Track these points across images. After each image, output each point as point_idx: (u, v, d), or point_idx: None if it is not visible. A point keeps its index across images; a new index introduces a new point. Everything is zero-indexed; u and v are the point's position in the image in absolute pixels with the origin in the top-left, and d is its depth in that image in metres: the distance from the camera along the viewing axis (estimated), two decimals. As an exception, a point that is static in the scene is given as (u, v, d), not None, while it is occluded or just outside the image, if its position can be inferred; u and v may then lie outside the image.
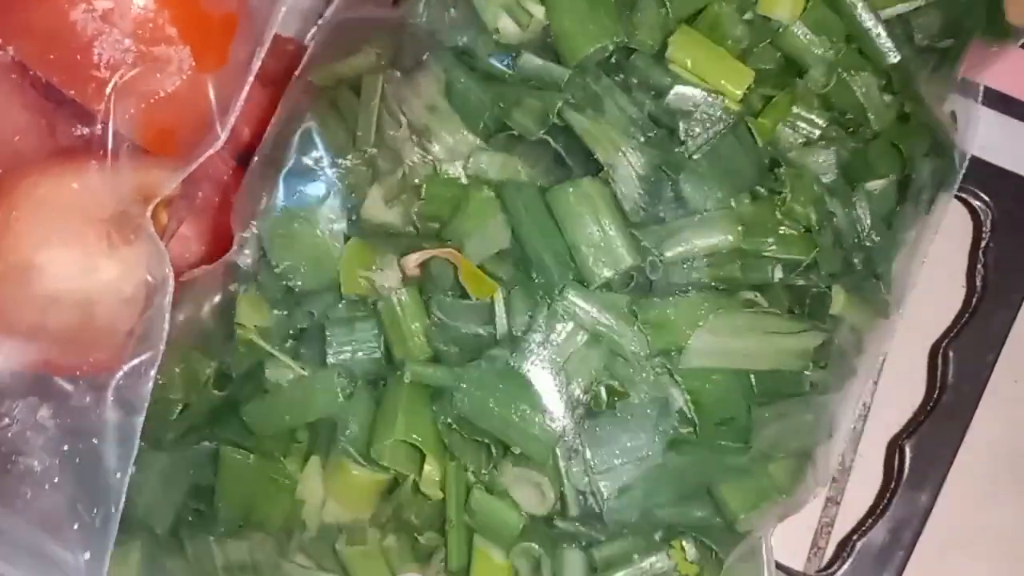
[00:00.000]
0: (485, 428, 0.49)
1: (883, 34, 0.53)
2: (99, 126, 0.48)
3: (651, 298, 0.49)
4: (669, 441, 0.49)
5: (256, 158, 0.54)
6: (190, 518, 0.53)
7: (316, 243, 0.52)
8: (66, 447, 0.49)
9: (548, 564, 0.50)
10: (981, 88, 0.62)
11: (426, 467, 0.50)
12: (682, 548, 0.50)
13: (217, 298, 0.54)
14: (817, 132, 0.53)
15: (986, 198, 0.67)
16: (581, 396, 0.49)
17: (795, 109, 0.52)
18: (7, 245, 0.47)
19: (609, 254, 0.49)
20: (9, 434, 0.49)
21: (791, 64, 0.54)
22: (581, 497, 0.50)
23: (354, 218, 0.53)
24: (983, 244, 0.67)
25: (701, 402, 0.49)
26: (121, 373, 0.49)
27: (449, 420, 0.49)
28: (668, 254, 0.49)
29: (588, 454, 0.48)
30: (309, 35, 0.66)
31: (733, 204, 0.51)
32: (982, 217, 0.68)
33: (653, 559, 0.50)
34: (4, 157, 0.49)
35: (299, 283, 0.52)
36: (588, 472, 0.49)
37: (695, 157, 0.50)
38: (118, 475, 0.49)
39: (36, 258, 0.47)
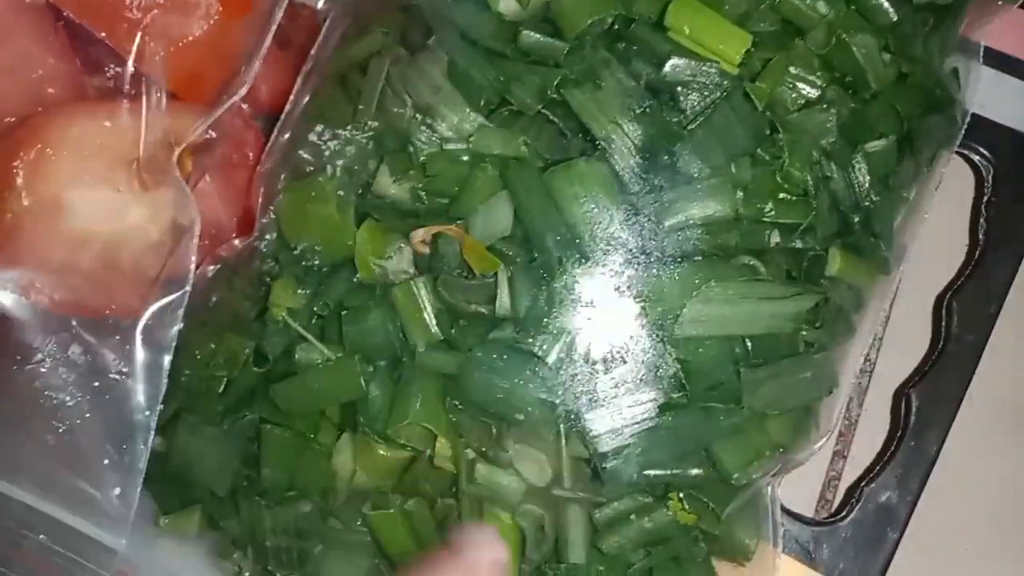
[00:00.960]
0: (491, 409, 0.50)
1: None
2: (130, 68, 0.49)
3: (648, 269, 0.49)
4: (663, 405, 0.49)
5: (271, 144, 0.55)
6: (244, 483, 0.54)
7: (329, 221, 0.52)
8: (96, 384, 0.50)
9: (550, 523, 0.51)
10: (982, 47, 0.61)
11: (438, 444, 0.51)
12: (679, 500, 0.51)
13: (246, 281, 0.55)
14: (816, 93, 0.52)
15: (987, 154, 0.66)
16: (581, 365, 0.49)
17: (794, 70, 0.52)
18: (39, 180, 0.47)
19: (606, 230, 0.49)
20: (42, 369, 0.49)
21: (791, 25, 0.53)
22: (581, 464, 0.51)
23: (360, 192, 0.53)
24: (985, 199, 0.66)
25: (692, 368, 0.50)
26: (149, 313, 0.50)
27: (456, 403, 0.50)
28: (666, 224, 0.49)
29: (587, 419, 0.49)
30: (322, 0, 0.68)
31: (733, 169, 0.51)
32: (983, 172, 0.67)
33: (651, 516, 0.51)
34: (35, 99, 0.50)
35: (316, 262, 0.53)
36: (587, 436, 0.49)
37: (691, 127, 0.50)
38: (147, 412, 0.51)
39: (66, 195, 0.48)
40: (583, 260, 0.49)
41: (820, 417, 0.55)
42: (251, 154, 0.60)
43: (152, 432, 0.51)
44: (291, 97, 0.56)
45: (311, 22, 0.63)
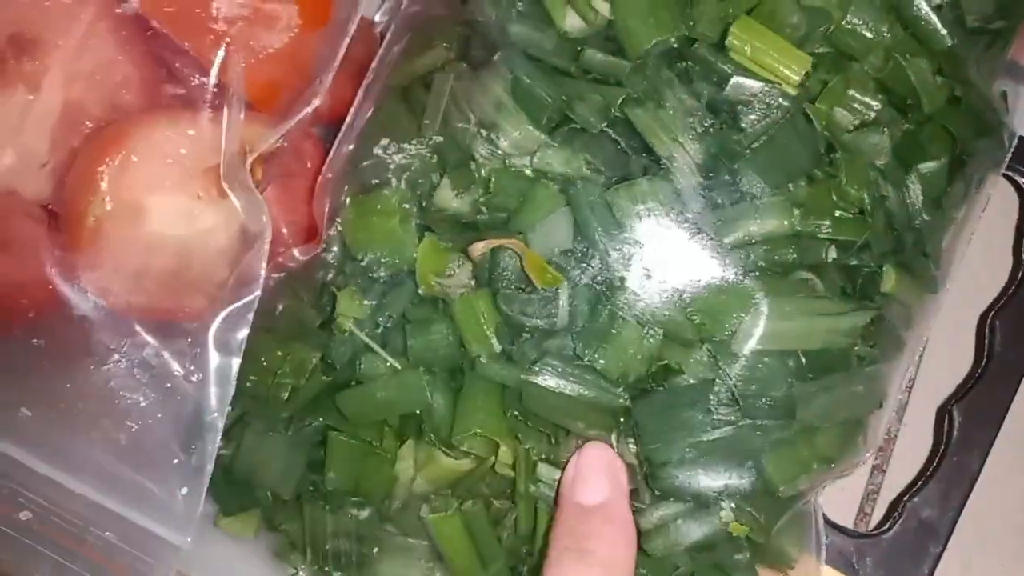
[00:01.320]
0: (551, 419, 0.51)
1: (935, 19, 0.53)
2: (213, 78, 0.50)
3: (708, 285, 0.50)
4: (717, 417, 0.50)
5: (333, 155, 0.56)
6: (310, 488, 0.56)
7: (393, 234, 0.54)
8: (168, 385, 0.51)
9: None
10: (1030, 71, 0.62)
11: (500, 451, 0.52)
12: (732, 511, 0.52)
13: (312, 290, 0.56)
14: (872, 114, 0.53)
15: None
16: (638, 377, 0.50)
17: (851, 92, 0.53)
18: (123, 185, 0.48)
19: (668, 248, 0.50)
20: (117, 370, 0.50)
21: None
22: (632, 469, 0.52)
23: (424, 204, 0.54)
24: (1029, 219, 0.68)
25: (747, 383, 0.50)
26: (221, 317, 0.51)
27: (516, 413, 0.51)
28: (726, 240, 0.50)
29: (641, 429, 0.50)
30: (379, 13, 0.69)
31: (791, 188, 0.52)
32: (1027, 193, 0.68)
33: (698, 523, 0.52)
34: (113, 106, 0.51)
35: (381, 274, 0.54)
36: (640, 446, 0.51)
37: (753, 145, 0.50)
38: (215, 414, 0.51)
39: (147, 200, 0.49)
40: (645, 277, 0.50)
41: (869, 431, 0.56)
42: (309, 163, 0.61)
43: (219, 434, 0.51)
44: (352, 109, 0.57)
45: (368, 34, 0.64)
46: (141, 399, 0.51)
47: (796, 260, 0.52)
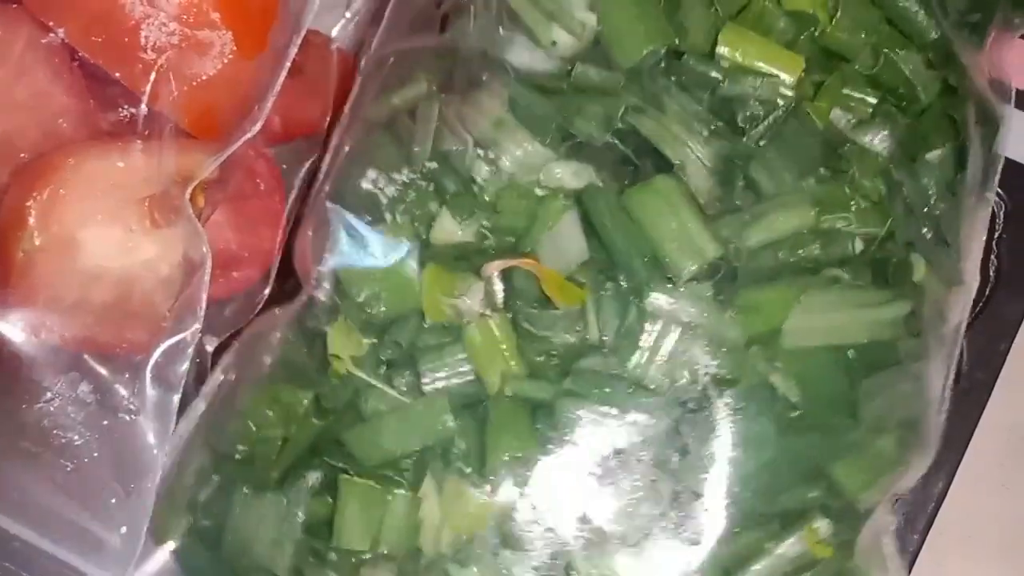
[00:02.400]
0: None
1: (921, 12, 0.54)
2: (144, 107, 0.48)
3: (740, 285, 0.48)
4: (779, 426, 0.47)
5: (315, 194, 0.53)
6: (310, 559, 0.49)
7: (391, 270, 0.50)
8: (105, 422, 0.49)
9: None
10: (1014, 89, 0.61)
11: None
12: (813, 530, 0.49)
13: (300, 333, 0.52)
14: (870, 110, 0.52)
15: (1000, 191, 0.65)
16: (687, 391, 0.47)
17: (846, 90, 0.52)
18: (52, 219, 0.46)
19: (693, 247, 0.47)
20: (51, 408, 0.49)
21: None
22: (691, 495, 0.48)
23: (424, 237, 0.51)
24: (996, 235, 0.66)
25: (804, 383, 0.48)
26: (159, 351, 0.49)
27: (550, 433, 0.47)
28: (750, 241, 0.48)
29: (699, 450, 0.47)
30: (336, 29, 0.68)
31: (805, 185, 0.50)
32: (996, 210, 0.66)
33: (784, 544, 0.48)
34: (48, 136, 0.49)
35: (382, 310, 0.50)
36: (699, 468, 0.47)
37: (761, 144, 0.49)
38: (155, 451, 0.49)
39: (80, 234, 0.47)
40: (673, 279, 0.48)
41: (924, 432, 0.53)
42: (263, 184, 0.59)
43: (159, 471, 0.50)
44: (330, 151, 0.54)
45: (323, 51, 0.63)
46: (76, 438, 0.49)
47: (822, 256, 0.50)
